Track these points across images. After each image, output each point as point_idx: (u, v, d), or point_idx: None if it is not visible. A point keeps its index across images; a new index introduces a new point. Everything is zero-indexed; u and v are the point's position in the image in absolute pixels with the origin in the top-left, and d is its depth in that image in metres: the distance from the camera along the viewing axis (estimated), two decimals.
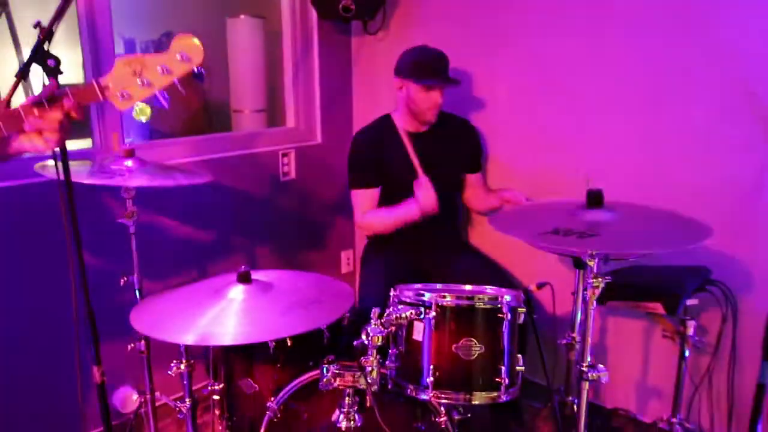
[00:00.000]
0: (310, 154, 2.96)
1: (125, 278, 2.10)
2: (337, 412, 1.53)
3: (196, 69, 1.16)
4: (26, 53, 2.81)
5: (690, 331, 1.95)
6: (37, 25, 1.38)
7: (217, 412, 2.20)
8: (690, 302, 1.94)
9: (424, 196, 2.25)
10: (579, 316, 2.00)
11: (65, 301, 2.18)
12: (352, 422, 1.50)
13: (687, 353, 2.00)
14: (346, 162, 2.49)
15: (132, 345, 2.17)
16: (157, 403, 2.34)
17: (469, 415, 2.02)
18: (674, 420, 2.05)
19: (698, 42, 2.08)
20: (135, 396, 2.27)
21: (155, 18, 3.91)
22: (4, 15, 2.86)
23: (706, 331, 2.18)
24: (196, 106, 3.64)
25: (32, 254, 2.16)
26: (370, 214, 2.40)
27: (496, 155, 2.66)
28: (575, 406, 1.63)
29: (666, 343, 2.17)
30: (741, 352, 2.07)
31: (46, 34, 1.37)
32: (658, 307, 1.88)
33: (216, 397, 2.13)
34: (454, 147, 2.49)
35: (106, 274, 2.06)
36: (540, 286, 1.74)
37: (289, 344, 1.99)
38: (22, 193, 2.12)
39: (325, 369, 1.51)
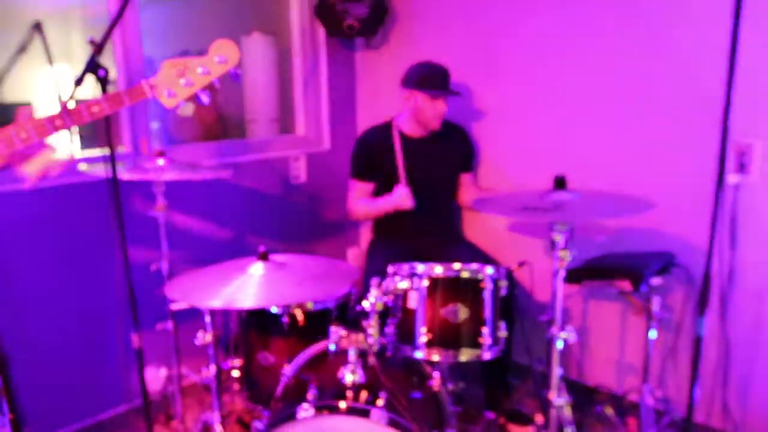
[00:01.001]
0: (318, 159, 3.24)
1: (155, 266, 2.38)
2: (342, 369, 1.78)
3: (231, 70, 1.34)
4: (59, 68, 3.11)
5: (655, 307, 2.20)
6: (92, 41, 1.66)
7: (236, 387, 2.46)
8: (654, 281, 2.19)
9: (399, 195, 2.59)
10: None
11: (105, 284, 2.47)
12: (356, 377, 1.75)
13: (653, 327, 2.24)
14: (350, 164, 2.80)
15: (161, 325, 2.44)
16: (183, 383, 2.60)
17: (461, 384, 2.28)
18: (643, 387, 2.29)
19: (660, 52, 2.36)
20: (163, 371, 2.53)
21: (173, 37, 4.19)
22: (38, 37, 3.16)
23: (672, 310, 2.43)
24: (212, 117, 3.92)
25: (75, 246, 2.43)
26: (358, 202, 2.77)
27: (487, 156, 2.93)
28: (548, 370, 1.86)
29: (640, 325, 2.41)
30: None
31: (99, 48, 1.65)
32: (626, 284, 2.13)
33: (235, 374, 2.40)
34: (450, 149, 2.78)
35: (135, 263, 2.33)
36: (520, 264, 2.00)
37: (300, 322, 2.27)
38: (67, 190, 2.39)
39: (332, 330, 1.77)
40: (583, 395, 2.68)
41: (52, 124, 1.31)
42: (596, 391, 2.71)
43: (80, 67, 1.36)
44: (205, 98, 1.34)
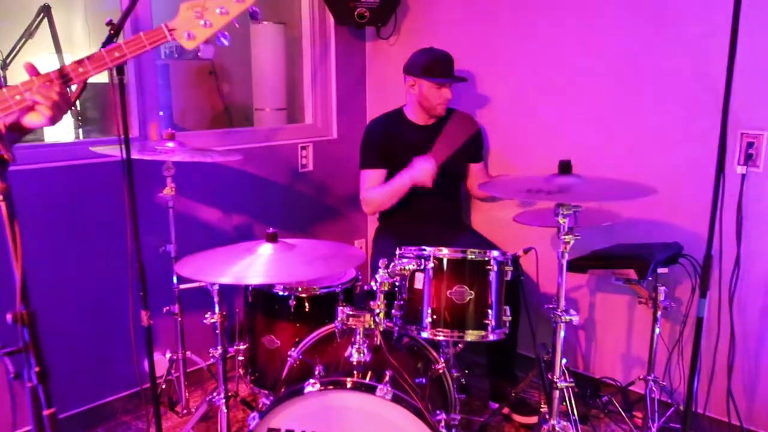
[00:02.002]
0: (326, 148, 3.25)
1: (163, 248, 2.39)
2: (349, 348, 1.79)
3: (250, 9, 1.28)
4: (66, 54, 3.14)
5: (661, 297, 2.20)
6: (109, 23, 1.67)
7: (241, 371, 2.47)
8: (661, 270, 2.19)
9: (421, 167, 2.49)
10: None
11: (113, 265, 2.47)
12: (362, 356, 1.76)
13: (659, 317, 2.24)
14: (358, 156, 2.78)
15: (167, 308, 2.45)
16: (187, 369, 2.61)
17: (467, 371, 2.28)
18: (649, 378, 2.29)
19: (668, 42, 2.35)
20: (168, 355, 2.54)
21: None
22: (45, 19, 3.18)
23: (680, 301, 2.43)
24: (218, 106, 3.94)
25: (87, 223, 2.43)
26: (371, 189, 2.68)
27: (495, 145, 2.94)
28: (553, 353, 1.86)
29: (647, 317, 2.41)
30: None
31: (117, 29, 1.67)
32: (631, 273, 2.14)
33: (241, 358, 2.41)
34: None
35: (143, 245, 2.34)
36: (526, 251, 2.00)
37: (307, 306, 2.28)
38: (79, 171, 2.40)
39: (339, 310, 1.77)
40: (590, 387, 2.68)
41: (75, 72, 1.30)
42: (602, 383, 2.70)
43: (82, 53, 1.35)
44: (225, 41, 1.31)
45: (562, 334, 1.81)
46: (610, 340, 2.70)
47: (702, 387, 2.34)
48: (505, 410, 2.52)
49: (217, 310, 2.01)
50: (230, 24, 1.29)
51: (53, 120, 1.34)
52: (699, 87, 2.30)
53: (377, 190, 2.67)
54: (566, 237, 1.74)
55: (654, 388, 2.29)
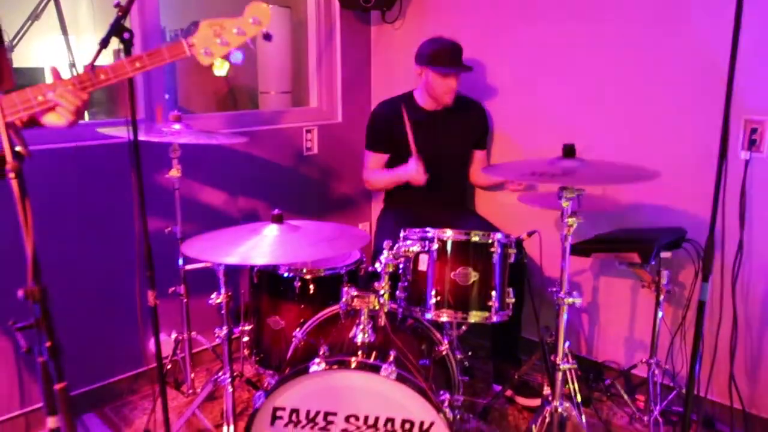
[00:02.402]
0: (331, 132, 3.25)
1: (169, 228, 2.41)
2: (354, 329, 1.81)
3: (264, 30, 1.38)
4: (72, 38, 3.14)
5: (664, 281, 2.21)
6: (117, 5, 1.68)
7: (246, 352, 2.50)
8: (664, 255, 2.20)
9: (412, 169, 2.58)
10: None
11: (121, 246, 2.48)
12: (366, 336, 1.78)
13: (662, 301, 2.25)
14: (363, 140, 2.83)
15: (172, 288, 2.47)
16: (193, 349, 2.64)
17: (470, 354, 2.30)
18: (651, 361, 2.30)
19: (672, 26, 2.34)
20: (173, 335, 2.57)
21: (184, 9, 4.20)
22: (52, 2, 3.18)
23: (683, 286, 2.44)
24: (222, 89, 3.94)
25: (94, 204, 2.45)
26: (373, 172, 2.81)
27: (500, 131, 2.93)
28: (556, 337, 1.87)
29: (650, 301, 2.42)
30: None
31: (124, 11, 1.67)
32: (635, 257, 2.14)
33: (246, 339, 2.44)
34: (465, 124, 2.78)
35: (149, 227, 2.36)
36: (530, 234, 2.01)
37: (311, 288, 2.30)
38: (87, 152, 2.42)
39: (345, 291, 1.79)
40: (592, 371, 2.70)
41: (97, 80, 1.35)
42: (605, 367, 2.72)
43: (87, 35, 1.37)
44: (238, 56, 1.38)
45: (565, 316, 1.82)
46: (613, 324, 2.71)
47: (704, 371, 2.35)
48: (509, 393, 2.54)
49: (222, 290, 2.03)
50: (245, 44, 1.36)
51: (72, 124, 1.39)
52: (704, 72, 2.29)
53: (376, 176, 2.80)
54: (569, 220, 1.74)
55: (656, 372, 2.31)
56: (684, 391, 2.35)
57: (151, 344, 2.64)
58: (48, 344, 1.16)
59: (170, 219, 2.40)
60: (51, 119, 1.39)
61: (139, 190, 1.80)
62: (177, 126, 2.29)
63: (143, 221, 1.84)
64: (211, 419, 2.37)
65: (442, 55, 2.58)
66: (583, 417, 1.96)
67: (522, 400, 2.52)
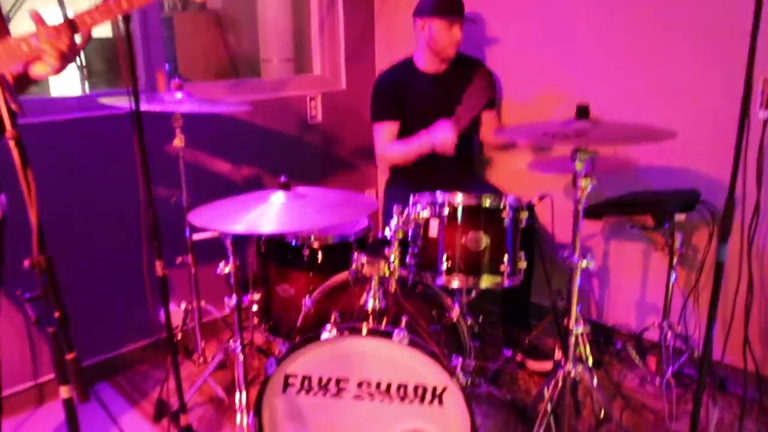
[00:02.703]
0: (335, 99, 3.20)
1: (175, 198, 2.38)
2: (365, 295, 1.79)
3: None
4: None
5: (677, 244, 2.18)
6: None
7: (256, 320, 2.50)
8: (678, 217, 2.16)
9: (443, 138, 2.46)
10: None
11: (126, 216, 2.47)
12: (377, 302, 1.76)
13: (675, 264, 2.22)
14: (368, 107, 2.73)
15: (180, 258, 2.46)
16: (203, 319, 2.64)
17: (480, 320, 2.29)
18: (664, 324, 2.29)
19: None
20: (182, 305, 2.56)
21: None
22: None
23: (696, 248, 2.40)
24: (223, 57, 3.87)
25: (98, 175, 2.43)
26: (390, 145, 2.66)
27: (508, 92, 2.88)
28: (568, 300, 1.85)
29: (662, 264, 2.40)
30: None
31: None
32: (648, 219, 2.11)
33: (255, 308, 2.43)
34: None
35: (154, 197, 2.33)
36: (541, 198, 1.97)
37: (320, 256, 2.28)
38: (88, 123, 2.38)
39: (355, 257, 1.76)
40: (603, 335, 2.69)
41: (81, 20, 1.29)
42: (615, 331, 2.71)
43: (85, 4, 1.32)
44: None
45: (578, 279, 1.79)
46: (624, 288, 2.69)
47: (718, 334, 2.34)
48: (519, 357, 2.54)
49: (231, 259, 2.01)
50: None
51: (59, 70, 1.33)
52: (723, 30, 2.22)
53: (396, 150, 2.64)
54: (583, 182, 1.71)
55: (669, 335, 2.29)
56: (697, 354, 2.34)
57: (161, 314, 2.64)
58: (56, 315, 1.14)
59: (175, 188, 2.38)
60: (38, 69, 1.33)
61: (142, 160, 1.77)
62: (179, 95, 2.25)
63: (148, 191, 1.82)
64: (223, 387, 2.38)
65: (445, 3, 2.52)
66: (595, 379, 1.95)
67: (533, 364, 2.52)
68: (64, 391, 1.24)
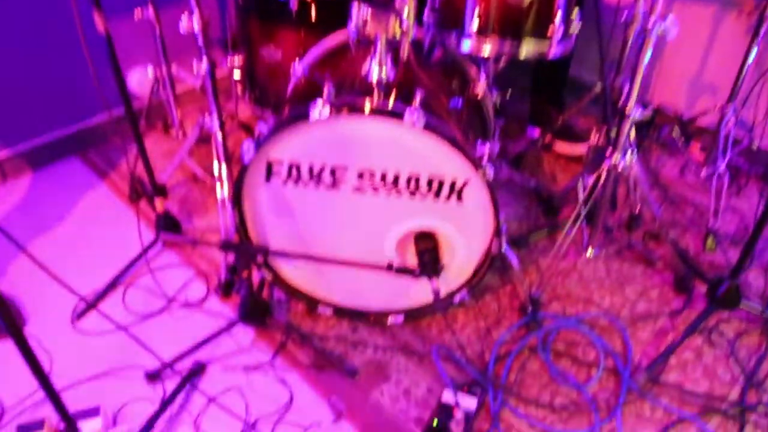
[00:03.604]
0: None
1: None
2: (367, 61, 1.37)
3: None
4: None
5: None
6: None
7: (239, 90, 2.11)
8: None
9: None
10: None
11: None
12: (384, 72, 1.34)
13: (757, 41, 1.75)
14: None
15: (139, 11, 1.98)
16: (178, 89, 2.24)
17: (508, 96, 1.89)
18: (728, 107, 1.90)
19: None
20: (149, 71, 2.15)
21: None
22: None
23: None
24: None
25: None
26: None
27: None
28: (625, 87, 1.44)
29: (737, 36, 1.92)
30: None
31: None
32: None
33: (236, 76, 2.03)
34: None
35: None
36: None
37: (313, 10, 1.81)
38: None
39: (355, 10, 1.30)
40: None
41: None
42: (658, 112, 2.33)
43: None
44: None
45: (650, 52, 1.35)
46: (679, 62, 2.25)
47: None
48: (548, 138, 2.19)
49: (196, 11, 1.55)
50: None
51: None
52: None
53: None
54: None
55: (732, 120, 1.92)
56: (756, 144, 1.99)
57: (128, 81, 2.25)
58: None
59: None
60: None
61: None
62: None
63: None
64: (208, 165, 2.06)
65: None
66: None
67: (562, 146, 2.19)
68: None
